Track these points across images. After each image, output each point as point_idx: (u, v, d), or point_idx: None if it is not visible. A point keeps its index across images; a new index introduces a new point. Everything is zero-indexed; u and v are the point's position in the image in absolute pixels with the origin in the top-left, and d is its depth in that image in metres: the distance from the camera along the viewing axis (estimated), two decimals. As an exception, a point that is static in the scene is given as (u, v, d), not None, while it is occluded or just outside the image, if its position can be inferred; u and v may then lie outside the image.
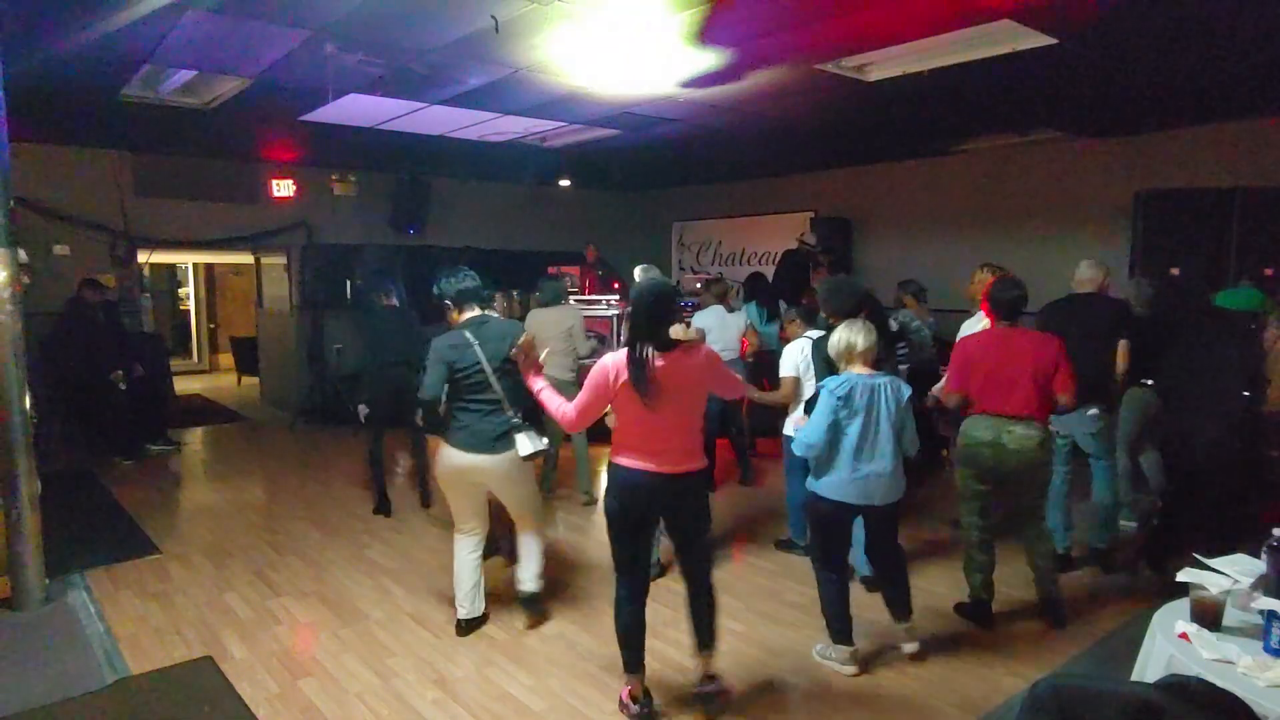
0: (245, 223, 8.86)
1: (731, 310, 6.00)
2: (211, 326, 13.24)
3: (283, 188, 8.78)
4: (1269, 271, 5.30)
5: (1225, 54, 4.51)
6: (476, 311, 3.62)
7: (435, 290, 3.67)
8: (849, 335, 3.32)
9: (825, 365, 3.67)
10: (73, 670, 3.37)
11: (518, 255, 10.09)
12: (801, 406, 4.05)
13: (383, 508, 5.49)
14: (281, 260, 9.30)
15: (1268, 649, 2.08)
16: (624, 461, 2.92)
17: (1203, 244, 5.87)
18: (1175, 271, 5.96)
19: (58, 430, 6.78)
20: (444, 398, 3.52)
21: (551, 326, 5.41)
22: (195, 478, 6.84)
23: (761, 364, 6.19)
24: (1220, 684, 1.52)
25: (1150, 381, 4.84)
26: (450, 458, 3.53)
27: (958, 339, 4.04)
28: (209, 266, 12.91)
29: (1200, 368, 4.18)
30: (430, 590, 4.21)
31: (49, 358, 6.56)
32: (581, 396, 2.91)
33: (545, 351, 3.19)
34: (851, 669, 3.34)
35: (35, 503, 3.97)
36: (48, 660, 3.46)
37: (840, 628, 3.36)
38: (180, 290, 13.54)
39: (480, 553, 3.76)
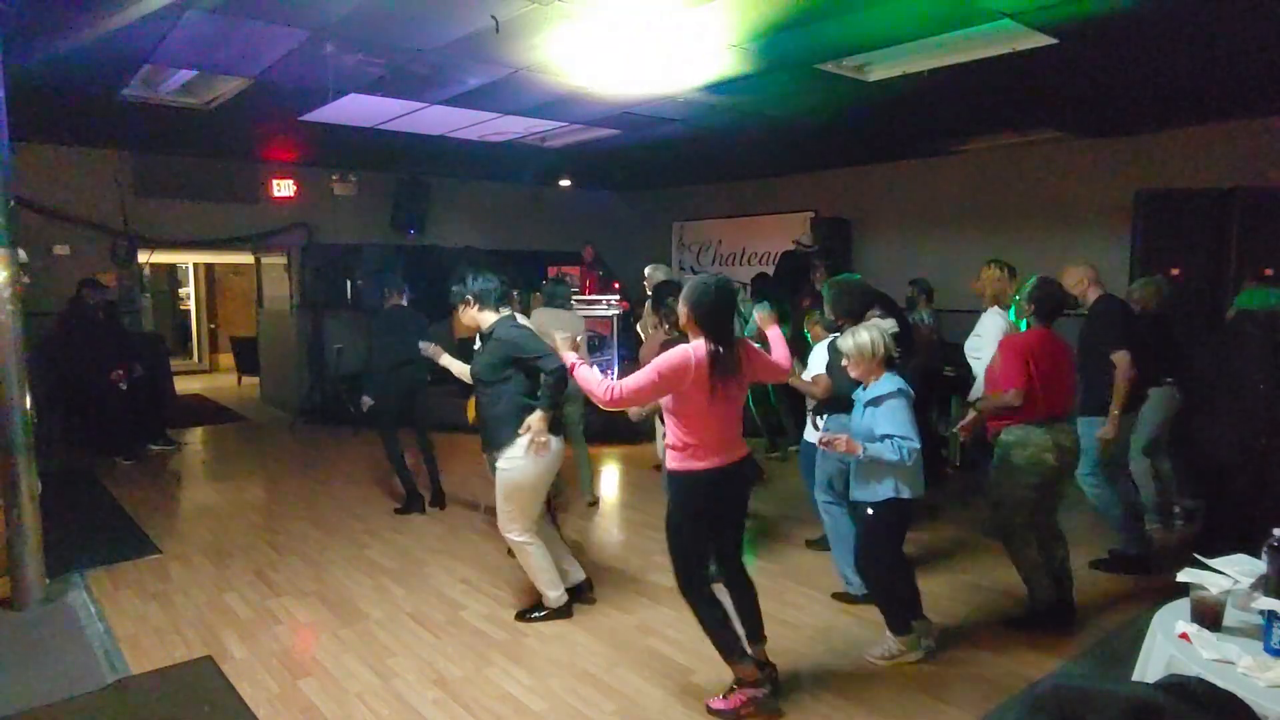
0: (245, 223, 8.86)
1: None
2: (212, 326, 13.25)
3: (283, 188, 8.78)
4: (1269, 271, 5.28)
5: (1225, 54, 4.51)
6: (508, 311, 3.82)
7: (455, 289, 3.75)
8: (881, 337, 3.27)
9: (839, 368, 3.61)
10: (73, 670, 3.36)
11: (518, 255, 10.09)
12: (812, 415, 4.04)
13: (415, 505, 5.49)
14: (282, 260, 9.31)
15: (1268, 649, 2.07)
16: (699, 463, 2.90)
17: (1203, 244, 5.86)
18: (1175, 272, 5.96)
19: (58, 430, 6.78)
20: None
21: (560, 328, 5.39)
22: (195, 478, 6.84)
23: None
24: (1221, 684, 1.52)
25: (1172, 380, 4.87)
26: (555, 444, 3.68)
27: (1002, 338, 4.03)
28: (209, 266, 12.92)
29: (1226, 368, 4.20)
30: (430, 590, 4.21)
31: (49, 358, 6.56)
32: (645, 376, 2.85)
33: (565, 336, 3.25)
34: (922, 650, 3.43)
35: (35, 502, 3.97)
36: (48, 660, 3.46)
37: (911, 611, 3.44)
38: (180, 290, 13.55)
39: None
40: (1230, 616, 2.25)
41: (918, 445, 3.18)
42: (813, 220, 9.21)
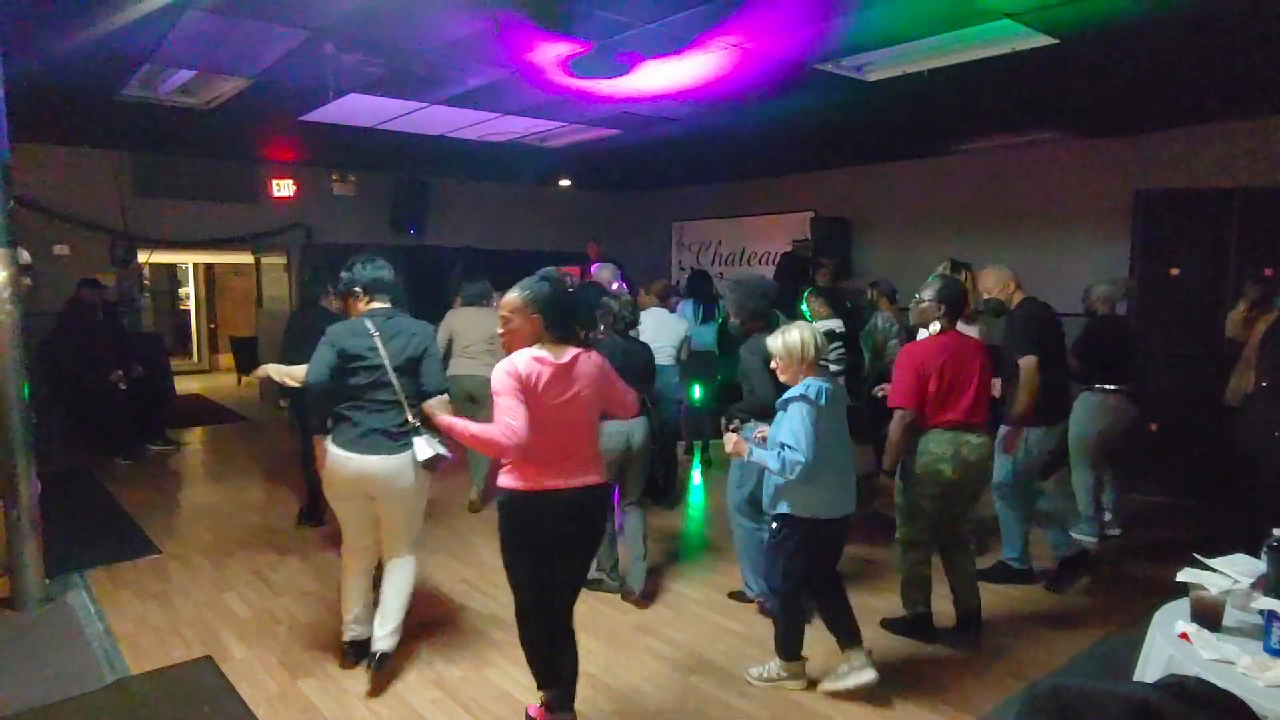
0: (245, 223, 8.85)
1: (674, 311, 5.85)
2: (211, 326, 13.25)
3: (282, 188, 8.78)
4: (1269, 271, 5.28)
5: (1225, 54, 4.50)
6: (386, 305, 3.29)
7: (345, 275, 3.34)
8: (812, 337, 3.05)
9: (765, 370, 3.36)
10: (72, 670, 3.36)
11: (518, 255, 10.09)
12: (724, 422, 3.65)
13: (315, 514, 5.14)
14: (281, 260, 9.30)
15: (1268, 649, 2.07)
16: (523, 484, 2.62)
17: (1203, 244, 5.86)
18: (1175, 271, 5.96)
19: (57, 430, 6.77)
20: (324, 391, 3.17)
21: (474, 328, 5.34)
22: (195, 478, 6.84)
23: (694, 365, 5.98)
24: (1220, 684, 1.52)
25: (1118, 388, 4.74)
26: (338, 462, 3.16)
27: (904, 346, 3.84)
28: (209, 266, 12.92)
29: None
30: (430, 590, 4.21)
31: (49, 358, 6.56)
32: (511, 407, 2.52)
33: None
34: (873, 674, 3.12)
35: (35, 503, 3.97)
36: (47, 660, 3.45)
37: (850, 638, 3.16)
38: (180, 290, 13.55)
39: (372, 573, 3.44)
40: (1230, 616, 2.25)
41: (803, 459, 2.87)
42: (813, 220, 9.21)
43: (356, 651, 3.35)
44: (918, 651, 3.58)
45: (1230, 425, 5.08)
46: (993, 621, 3.86)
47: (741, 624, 3.84)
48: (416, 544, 3.44)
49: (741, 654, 3.54)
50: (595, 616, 3.88)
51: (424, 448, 3.14)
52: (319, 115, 6.07)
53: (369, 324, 3.19)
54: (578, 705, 3.04)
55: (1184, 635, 2.19)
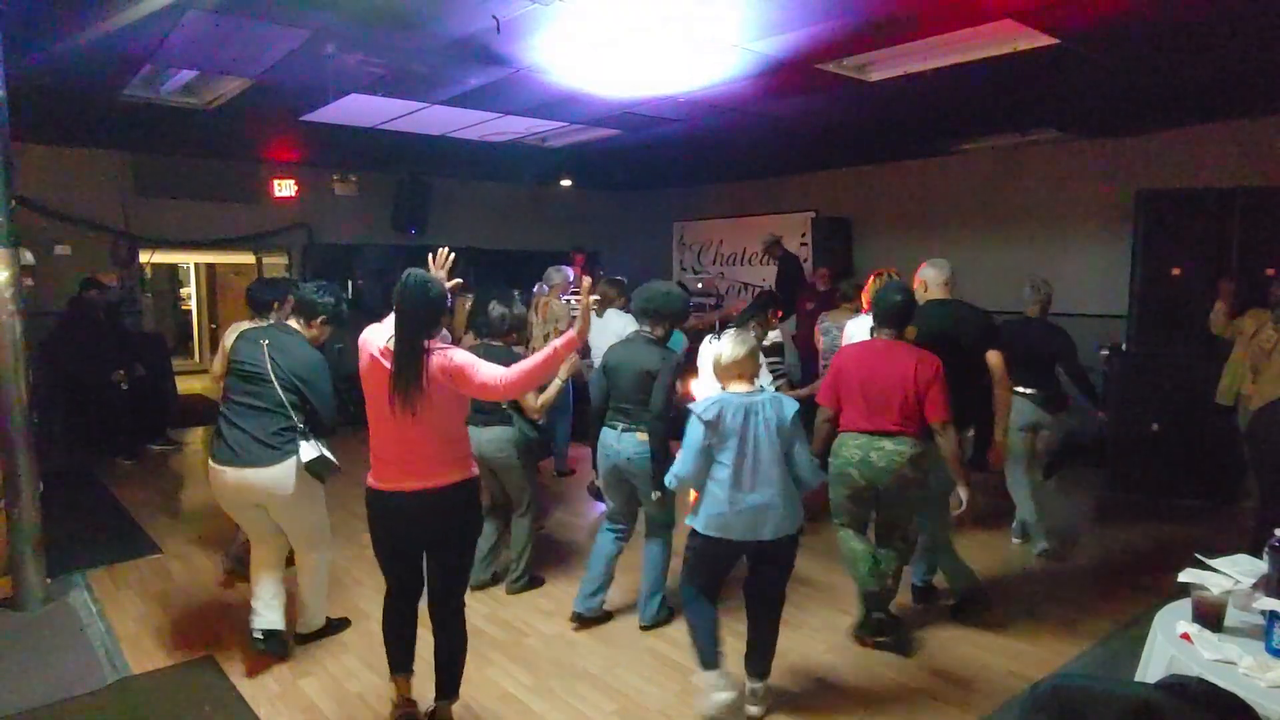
0: (246, 223, 8.85)
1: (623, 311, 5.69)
2: (213, 326, 13.22)
3: (284, 188, 8.78)
4: (1270, 272, 5.28)
5: (1225, 54, 4.50)
6: (292, 323, 3.45)
7: (299, 296, 3.52)
8: (733, 349, 2.96)
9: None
10: (74, 670, 3.37)
11: (518, 255, 10.09)
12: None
13: None
14: (282, 260, 9.31)
15: (1269, 650, 2.08)
16: (371, 479, 2.79)
17: (1203, 244, 5.86)
18: (1176, 271, 5.96)
19: (59, 430, 6.78)
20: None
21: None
22: (196, 477, 6.83)
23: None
24: (1222, 685, 1.52)
25: (1030, 391, 4.57)
26: (215, 475, 3.28)
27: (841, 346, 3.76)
28: (210, 266, 12.91)
29: None
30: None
31: (50, 357, 6.56)
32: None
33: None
34: (728, 694, 2.97)
35: (36, 502, 3.98)
36: (49, 660, 3.46)
37: (710, 657, 3.02)
38: (181, 290, 13.55)
39: (282, 566, 3.55)
40: (1231, 617, 2.26)
41: (676, 473, 2.91)
42: (813, 220, 9.22)
43: (266, 639, 3.39)
44: (917, 652, 3.58)
45: (1229, 424, 5.09)
46: (992, 621, 3.86)
47: (742, 623, 3.84)
48: (321, 544, 3.56)
49: (742, 653, 3.54)
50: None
51: (309, 449, 3.28)
52: (320, 115, 6.07)
53: (262, 328, 3.45)
54: (578, 705, 3.05)
55: (1186, 636, 2.19)
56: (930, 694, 3.23)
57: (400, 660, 2.93)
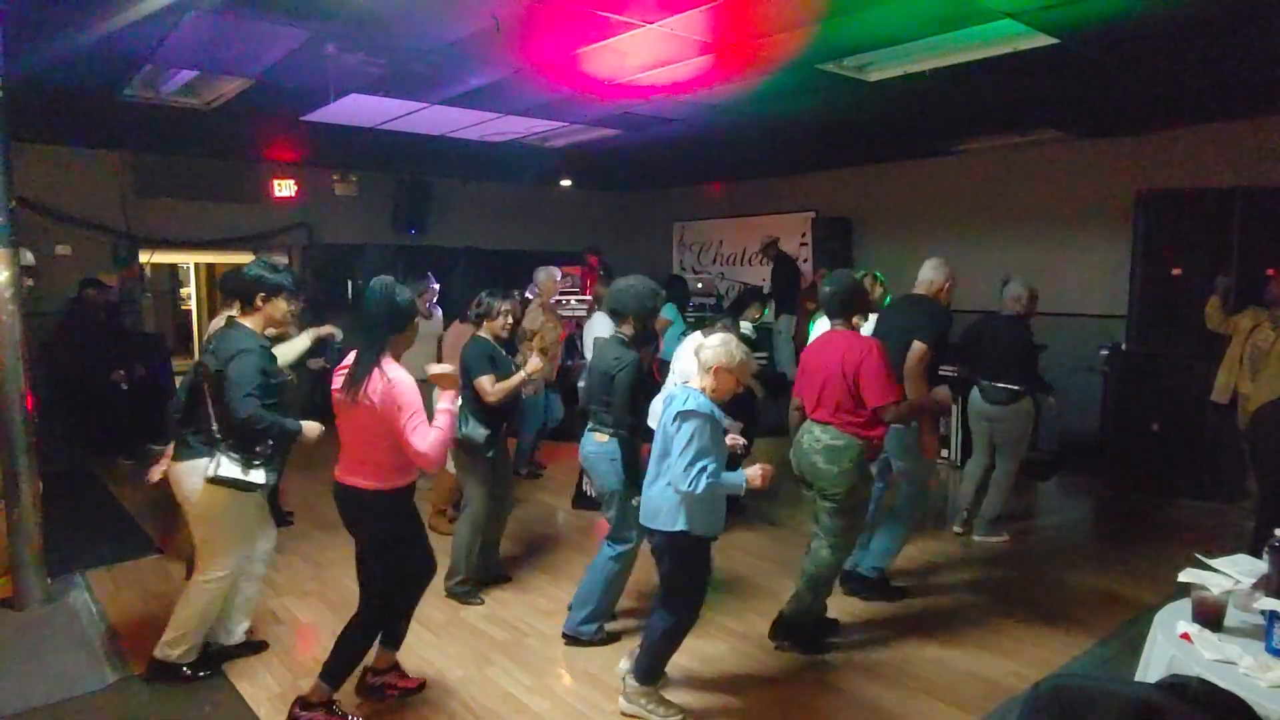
0: (246, 223, 8.85)
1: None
2: (213, 327, 13.24)
3: (284, 188, 8.78)
4: (1271, 271, 5.28)
5: (1225, 54, 4.50)
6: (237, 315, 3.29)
7: (253, 273, 3.32)
8: (733, 348, 2.90)
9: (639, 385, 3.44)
10: (74, 670, 3.37)
11: (518, 255, 10.09)
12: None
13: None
14: (283, 260, 9.31)
15: (1269, 650, 2.07)
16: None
17: (1203, 244, 5.86)
18: (1177, 271, 5.96)
19: (59, 430, 6.77)
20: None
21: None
22: (196, 478, 6.82)
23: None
24: (1222, 685, 1.52)
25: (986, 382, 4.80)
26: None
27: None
28: (210, 266, 12.90)
29: None
30: (431, 590, 4.19)
31: (50, 357, 6.56)
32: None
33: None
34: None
35: (36, 502, 3.98)
36: (49, 660, 3.46)
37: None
38: (182, 290, 13.55)
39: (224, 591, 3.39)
40: (1231, 617, 2.26)
41: (712, 472, 2.80)
42: (814, 220, 9.22)
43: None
44: (918, 652, 3.58)
45: (1229, 424, 5.09)
46: (992, 622, 3.86)
47: (742, 624, 3.84)
48: (211, 568, 3.27)
49: (742, 654, 3.55)
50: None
51: (227, 465, 3.13)
52: (320, 115, 6.07)
53: (223, 328, 3.36)
54: (578, 705, 3.04)
55: (1186, 636, 2.19)
56: (930, 694, 3.23)
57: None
